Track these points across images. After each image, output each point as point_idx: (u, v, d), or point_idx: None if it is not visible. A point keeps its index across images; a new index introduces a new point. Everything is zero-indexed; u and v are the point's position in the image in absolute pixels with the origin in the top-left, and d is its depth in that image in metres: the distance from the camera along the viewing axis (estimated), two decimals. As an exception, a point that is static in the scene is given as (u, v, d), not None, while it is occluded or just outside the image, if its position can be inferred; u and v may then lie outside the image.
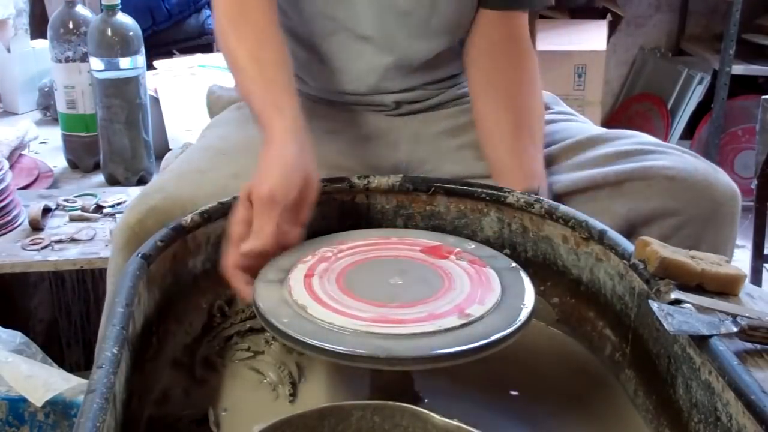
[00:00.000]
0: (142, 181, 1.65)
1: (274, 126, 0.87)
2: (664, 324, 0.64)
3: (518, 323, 0.71)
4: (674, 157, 0.97)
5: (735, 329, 0.64)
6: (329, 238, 0.87)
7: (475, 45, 1.07)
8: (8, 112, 2.05)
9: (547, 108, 1.12)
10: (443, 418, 0.60)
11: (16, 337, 1.01)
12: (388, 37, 1.04)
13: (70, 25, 1.61)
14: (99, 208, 1.49)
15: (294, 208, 0.83)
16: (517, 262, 0.83)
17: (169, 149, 1.66)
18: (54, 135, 1.83)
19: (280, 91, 0.91)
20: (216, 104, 1.24)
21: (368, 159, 1.07)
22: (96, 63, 1.54)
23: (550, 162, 1.03)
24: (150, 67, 1.78)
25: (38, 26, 2.17)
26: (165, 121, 1.75)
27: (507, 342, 0.70)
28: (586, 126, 1.12)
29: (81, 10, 1.64)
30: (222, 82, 1.30)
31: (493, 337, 0.69)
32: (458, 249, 0.84)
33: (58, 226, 1.43)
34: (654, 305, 0.67)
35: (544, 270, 0.90)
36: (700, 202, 0.94)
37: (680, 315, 0.65)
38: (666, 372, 0.71)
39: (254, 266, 0.80)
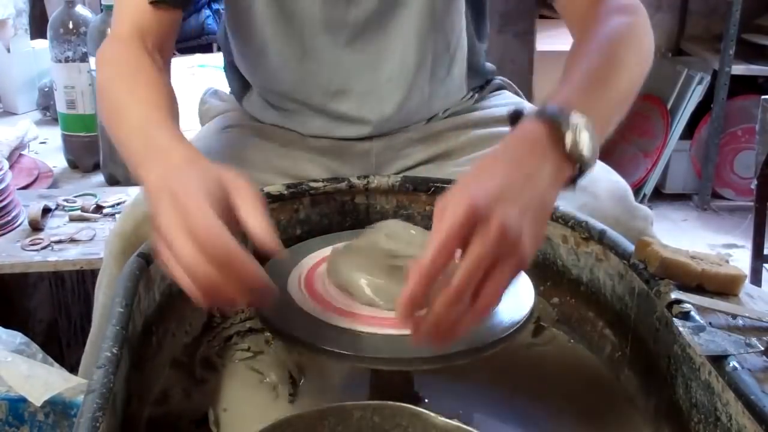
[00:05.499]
0: (142, 181, 1.64)
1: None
2: (694, 346, 0.64)
3: (518, 323, 0.71)
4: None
5: (761, 348, 0.63)
6: (329, 238, 0.87)
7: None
8: (8, 112, 2.05)
9: None
10: (443, 418, 0.60)
11: (16, 337, 1.00)
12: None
13: (70, 25, 1.61)
14: (99, 208, 1.49)
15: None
16: (517, 262, 0.83)
17: (169, 149, 1.66)
18: (54, 135, 1.83)
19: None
20: (206, 115, 1.23)
21: (335, 170, 1.05)
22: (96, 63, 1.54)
23: None
24: (150, 67, 1.78)
25: (38, 26, 2.17)
26: (165, 121, 1.75)
27: (506, 342, 0.70)
28: None
29: (81, 10, 1.64)
30: (218, 85, 1.29)
31: (493, 338, 0.69)
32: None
33: (57, 226, 1.43)
34: (678, 323, 0.67)
35: (544, 270, 0.90)
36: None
37: (706, 335, 0.65)
38: (666, 372, 0.71)
39: None
